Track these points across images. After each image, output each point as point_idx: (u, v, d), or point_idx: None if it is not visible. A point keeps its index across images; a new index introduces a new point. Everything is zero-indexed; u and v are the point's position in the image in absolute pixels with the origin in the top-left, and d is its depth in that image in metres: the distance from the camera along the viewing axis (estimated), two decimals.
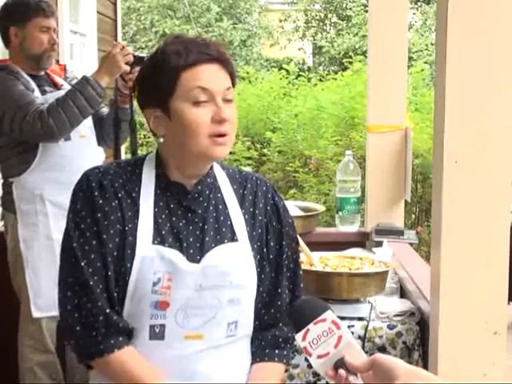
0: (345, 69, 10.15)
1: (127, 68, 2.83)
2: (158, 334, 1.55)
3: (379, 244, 3.06)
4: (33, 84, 2.93)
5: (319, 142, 7.42)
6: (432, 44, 13.43)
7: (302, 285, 1.73)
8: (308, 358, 1.27)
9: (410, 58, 11.16)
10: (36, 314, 2.89)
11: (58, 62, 3.95)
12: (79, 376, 3.00)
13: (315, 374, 2.34)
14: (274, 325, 1.70)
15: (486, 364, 2.05)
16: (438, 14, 2.13)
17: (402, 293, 2.74)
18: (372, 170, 3.39)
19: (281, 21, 18.10)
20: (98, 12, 7.29)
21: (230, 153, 1.62)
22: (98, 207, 1.56)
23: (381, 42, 3.31)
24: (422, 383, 1.13)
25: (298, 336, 1.27)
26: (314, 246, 2.67)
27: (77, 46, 7.00)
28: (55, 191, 2.87)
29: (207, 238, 1.60)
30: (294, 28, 17.99)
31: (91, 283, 1.53)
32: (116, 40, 7.72)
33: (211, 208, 1.64)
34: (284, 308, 1.69)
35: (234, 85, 1.61)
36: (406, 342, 2.37)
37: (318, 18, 18.04)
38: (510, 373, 2.13)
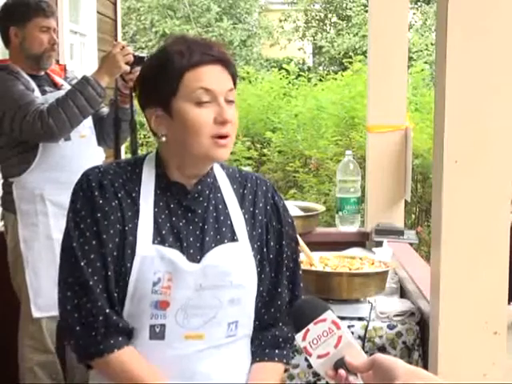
0: (345, 69, 10.15)
1: (127, 68, 2.83)
2: (158, 333, 1.55)
3: (379, 244, 3.06)
4: (33, 84, 2.93)
5: (319, 142, 7.42)
6: (432, 44, 13.42)
7: (301, 284, 1.74)
8: (308, 358, 1.27)
9: (410, 58, 11.16)
10: (36, 313, 2.89)
11: (58, 61, 3.95)
12: (79, 376, 3.00)
13: (315, 374, 2.34)
14: (274, 324, 1.70)
15: (486, 364, 2.05)
16: (438, 13, 2.13)
17: (402, 293, 2.74)
18: (372, 170, 3.39)
19: (281, 21, 18.09)
20: (98, 12, 7.29)
21: (230, 153, 1.62)
22: (98, 207, 1.56)
23: (381, 42, 3.31)
24: (421, 383, 1.13)
25: (298, 336, 1.27)
26: (314, 245, 2.67)
27: (77, 46, 7.01)
28: (55, 191, 2.87)
29: (207, 238, 1.60)
30: (294, 28, 17.99)
31: (91, 283, 1.53)
32: (116, 40, 7.72)
33: (211, 208, 1.64)
34: (284, 307, 1.69)
35: (235, 86, 1.61)
36: (405, 342, 2.37)
37: (318, 18, 18.04)
38: (510, 373, 2.13)
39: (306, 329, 1.27)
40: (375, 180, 3.38)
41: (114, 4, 8.11)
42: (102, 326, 1.53)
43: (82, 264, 1.54)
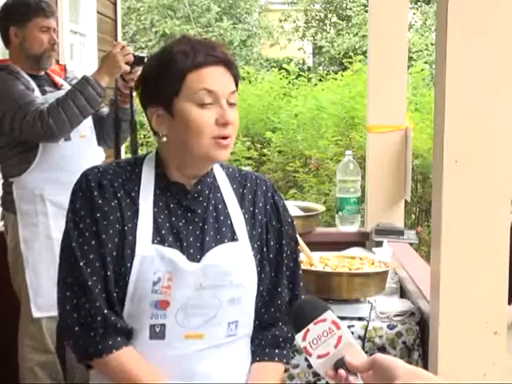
0: (345, 69, 10.15)
1: (127, 68, 2.83)
2: (158, 333, 1.55)
3: (379, 244, 3.06)
4: (33, 84, 2.93)
5: (319, 141, 7.42)
6: (432, 44, 13.42)
7: (301, 284, 1.74)
8: (308, 358, 1.27)
9: (410, 58, 11.15)
10: (36, 313, 2.89)
11: (58, 61, 3.95)
12: (79, 376, 3.00)
13: (315, 374, 2.34)
14: (274, 324, 1.70)
15: (486, 364, 2.05)
16: (438, 13, 2.13)
17: (402, 293, 2.74)
18: (372, 170, 3.39)
19: (281, 21, 18.09)
20: (98, 12, 7.29)
21: (230, 153, 1.63)
22: (97, 207, 1.56)
23: (381, 41, 3.31)
24: (421, 383, 1.13)
25: (298, 336, 1.27)
26: (314, 245, 2.67)
27: (77, 46, 7.01)
28: (55, 191, 2.87)
29: (207, 238, 1.60)
30: (294, 28, 17.98)
31: (90, 283, 1.53)
32: (116, 40, 7.72)
33: (211, 208, 1.64)
34: (284, 307, 1.69)
35: (237, 87, 1.61)
36: (405, 342, 2.37)
37: (318, 18, 18.03)
38: (510, 373, 2.13)
39: (306, 329, 1.27)
40: (375, 180, 3.38)
41: (114, 4, 8.11)
42: (100, 326, 1.53)
43: (81, 264, 1.54)
